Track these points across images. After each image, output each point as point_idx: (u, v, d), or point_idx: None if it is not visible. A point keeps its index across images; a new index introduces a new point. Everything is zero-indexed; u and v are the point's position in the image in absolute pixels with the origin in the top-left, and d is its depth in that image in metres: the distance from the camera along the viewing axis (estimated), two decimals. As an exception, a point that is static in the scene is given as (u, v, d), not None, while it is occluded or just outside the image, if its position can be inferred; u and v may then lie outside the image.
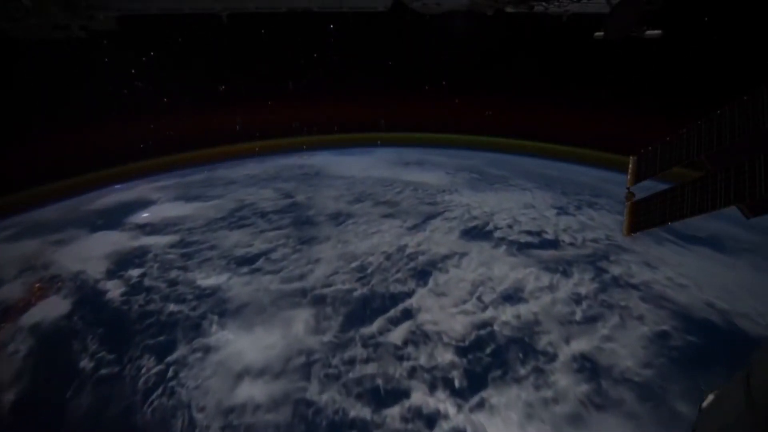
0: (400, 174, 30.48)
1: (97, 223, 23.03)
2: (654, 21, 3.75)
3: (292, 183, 28.58)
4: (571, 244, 18.94)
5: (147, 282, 16.09)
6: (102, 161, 30.85)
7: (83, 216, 24.54)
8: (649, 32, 3.82)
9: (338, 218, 21.49)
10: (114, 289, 15.67)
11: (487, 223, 20.96)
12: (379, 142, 41.26)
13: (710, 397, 2.09)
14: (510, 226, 20.66)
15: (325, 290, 14.97)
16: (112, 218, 23.54)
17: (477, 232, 19.92)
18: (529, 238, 19.32)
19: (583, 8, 4.18)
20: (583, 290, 15.34)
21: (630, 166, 3.21)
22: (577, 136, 34.29)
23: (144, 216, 23.10)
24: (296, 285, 15.37)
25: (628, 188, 3.08)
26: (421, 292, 14.82)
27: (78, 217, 24.54)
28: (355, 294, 14.75)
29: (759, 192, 2.16)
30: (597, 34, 3.90)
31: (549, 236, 19.65)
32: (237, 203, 24.31)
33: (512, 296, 14.67)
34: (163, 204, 25.47)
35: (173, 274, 16.52)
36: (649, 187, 3.01)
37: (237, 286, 15.45)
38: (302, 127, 38.78)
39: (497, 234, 19.73)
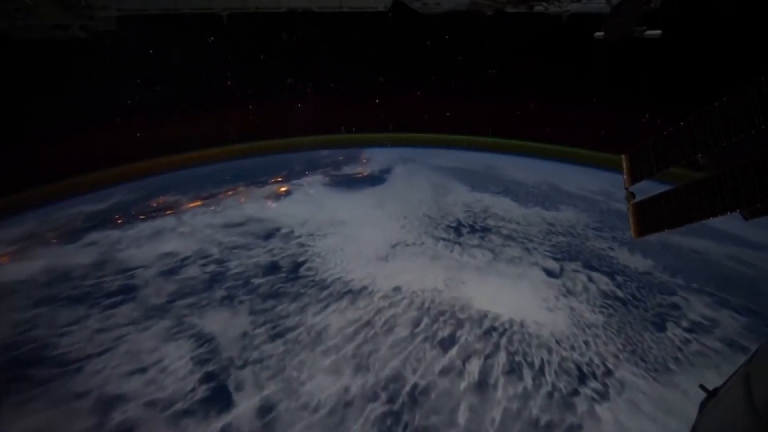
0: (457, 278, 16.33)
1: None
2: (654, 21, 3.72)
3: (241, 311, 14.26)
4: None
5: None
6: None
7: None
8: (649, 32, 3.80)
9: None
10: None
11: None
12: (387, 143, 36.15)
13: (710, 397, 1.96)
14: None
15: None
16: None
17: None
18: None
19: (583, 8, 4.18)
20: None
21: (624, 165, 3.01)
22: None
23: None
24: None
25: (627, 188, 2.92)
26: None
27: None
28: None
29: None
30: (597, 34, 3.87)
31: None
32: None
33: None
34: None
35: None
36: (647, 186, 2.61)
37: None
38: (297, 125, 33.24)
39: None
